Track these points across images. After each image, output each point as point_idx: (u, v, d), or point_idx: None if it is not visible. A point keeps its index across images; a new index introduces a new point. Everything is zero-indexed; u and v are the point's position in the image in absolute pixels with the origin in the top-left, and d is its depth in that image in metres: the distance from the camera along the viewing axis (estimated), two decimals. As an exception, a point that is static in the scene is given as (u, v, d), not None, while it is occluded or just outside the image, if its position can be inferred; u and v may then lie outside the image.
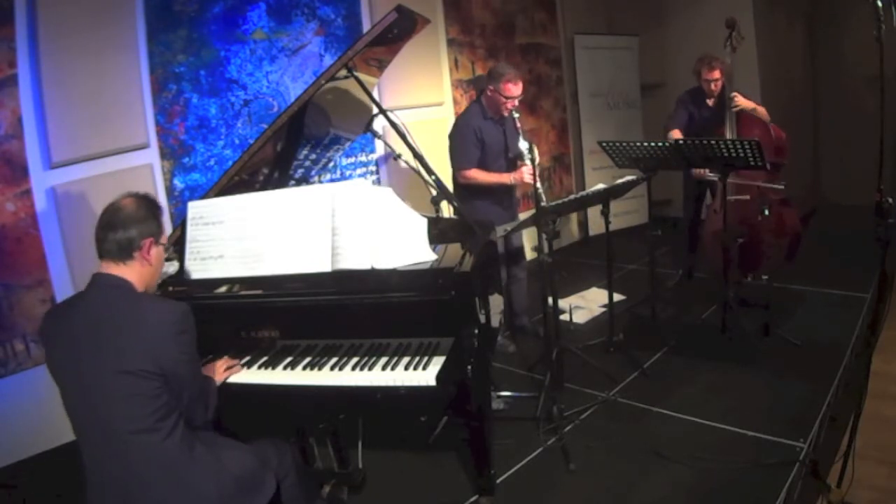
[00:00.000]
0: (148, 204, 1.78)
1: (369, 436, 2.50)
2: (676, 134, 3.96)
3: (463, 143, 3.37)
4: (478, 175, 3.37)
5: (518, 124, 3.21)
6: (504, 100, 3.26)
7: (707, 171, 3.81)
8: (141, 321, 1.62)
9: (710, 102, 4.03)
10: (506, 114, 3.32)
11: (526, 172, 3.23)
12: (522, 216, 3.53)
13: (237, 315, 2.18)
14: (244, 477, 1.72)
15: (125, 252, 1.69)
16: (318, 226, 2.08)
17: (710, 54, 3.92)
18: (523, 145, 3.21)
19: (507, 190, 3.51)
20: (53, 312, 1.75)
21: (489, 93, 3.33)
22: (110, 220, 1.70)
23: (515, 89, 3.24)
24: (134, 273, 1.71)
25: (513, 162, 3.43)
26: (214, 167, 3.53)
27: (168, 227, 3.26)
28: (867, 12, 1.91)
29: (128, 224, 1.70)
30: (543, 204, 2.88)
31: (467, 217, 2.58)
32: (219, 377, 2.00)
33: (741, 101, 3.71)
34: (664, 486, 2.39)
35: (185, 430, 1.67)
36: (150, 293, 1.81)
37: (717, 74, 3.87)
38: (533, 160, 3.08)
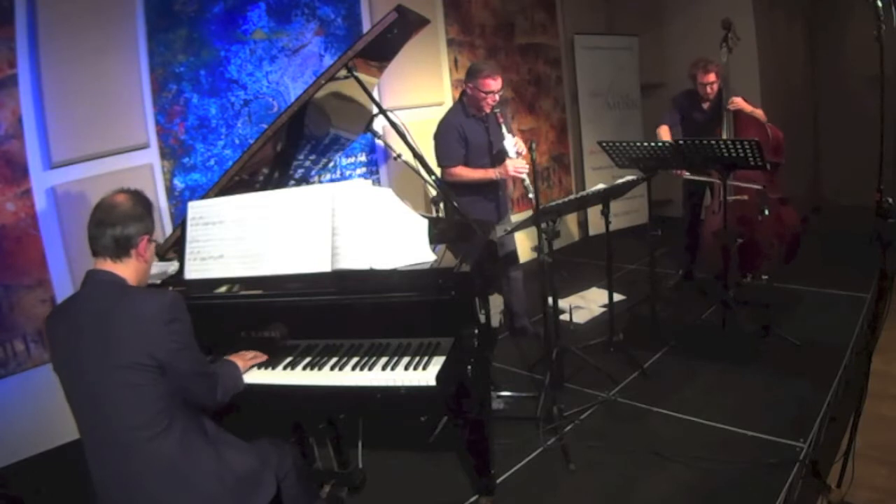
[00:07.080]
0: (143, 201, 1.79)
1: (369, 436, 2.49)
2: (664, 131, 3.97)
3: (447, 141, 3.38)
4: (463, 172, 3.38)
5: (500, 120, 3.22)
6: (484, 95, 3.26)
7: (685, 171, 3.81)
8: (133, 314, 1.62)
9: (705, 106, 4.02)
10: (487, 110, 3.33)
11: (510, 166, 3.23)
12: (521, 216, 3.53)
13: (237, 315, 2.18)
14: (246, 476, 1.72)
15: (122, 249, 1.69)
16: (317, 226, 2.08)
17: (704, 57, 3.90)
18: (508, 143, 3.22)
19: (493, 186, 3.49)
20: (55, 313, 1.75)
21: (469, 90, 3.34)
22: (105, 217, 1.70)
23: (494, 84, 3.25)
24: (129, 270, 1.72)
25: (498, 159, 3.43)
26: (214, 167, 3.53)
27: (168, 227, 3.27)
28: (867, 12, 1.91)
29: (126, 221, 1.69)
30: (531, 196, 2.86)
31: (467, 217, 2.58)
32: (244, 364, 2.00)
33: (740, 103, 3.70)
34: (664, 486, 2.39)
35: (189, 426, 1.67)
36: (141, 287, 1.82)
37: (712, 77, 3.86)
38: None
